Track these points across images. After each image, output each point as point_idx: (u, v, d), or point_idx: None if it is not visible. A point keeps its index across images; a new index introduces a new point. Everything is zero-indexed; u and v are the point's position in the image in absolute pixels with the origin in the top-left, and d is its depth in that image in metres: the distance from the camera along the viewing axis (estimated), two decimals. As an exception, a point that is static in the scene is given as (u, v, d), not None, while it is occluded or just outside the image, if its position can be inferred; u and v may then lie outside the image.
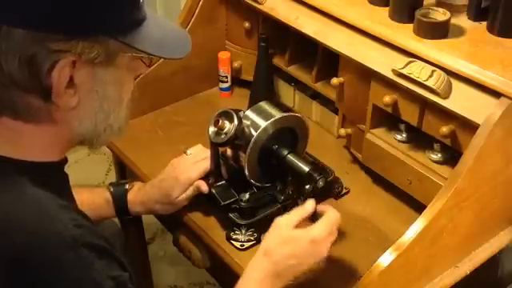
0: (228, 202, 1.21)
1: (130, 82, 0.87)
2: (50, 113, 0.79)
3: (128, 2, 0.79)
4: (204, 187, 1.22)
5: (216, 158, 1.23)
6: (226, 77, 1.65)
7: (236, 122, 1.16)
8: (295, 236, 1.02)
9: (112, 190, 1.25)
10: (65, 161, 0.89)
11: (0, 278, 0.71)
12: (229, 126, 1.17)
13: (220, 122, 1.17)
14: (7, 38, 0.72)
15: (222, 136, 1.17)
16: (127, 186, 1.26)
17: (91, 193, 1.23)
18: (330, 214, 1.05)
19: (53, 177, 0.85)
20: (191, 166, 1.23)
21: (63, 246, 0.74)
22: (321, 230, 1.02)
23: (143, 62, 0.85)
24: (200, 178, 1.22)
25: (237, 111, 1.18)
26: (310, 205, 1.07)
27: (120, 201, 1.24)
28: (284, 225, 1.04)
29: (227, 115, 1.18)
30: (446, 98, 1.08)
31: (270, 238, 1.04)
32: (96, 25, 0.76)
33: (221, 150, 1.24)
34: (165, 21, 0.88)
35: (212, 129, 1.19)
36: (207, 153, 1.26)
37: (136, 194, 1.25)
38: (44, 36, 0.73)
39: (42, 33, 0.72)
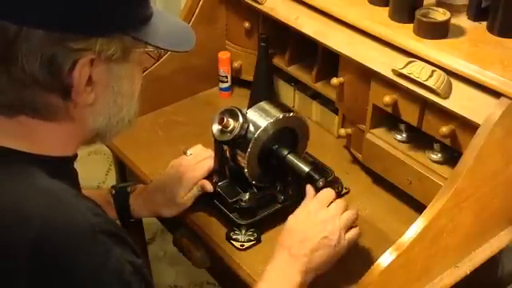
0: (235, 199, 1.21)
1: (140, 75, 0.89)
2: (68, 110, 0.81)
3: None
4: (209, 186, 1.22)
5: (221, 156, 1.23)
6: (226, 77, 1.65)
7: (241, 119, 1.16)
8: (294, 216, 1.10)
9: (114, 192, 1.25)
10: (75, 156, 0.90)
11: (19, 267, 0.72)
12: (234, 124, 1.17)
13: (225, 120, 1.17)
14: (28, 39, 0.72)
15: (228, 134, 1.17)
16: (129, 189, 1.26)
17: (92, 194, 1.22)
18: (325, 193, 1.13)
19: (66, 171, 0.87)
20: (194, 165, 1.23)
21: (82, 234, 0.74)
22: (315, 202, 1.10)
23: (151, 56, 0.86)
24: (203, 178, 1.22)
25: (240, 109, 1.18)
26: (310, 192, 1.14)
27: (122, 204, 1.24)
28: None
29: (231, 113, 1.18)
30: (446, 98, 1.08)
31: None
32: (112, 22, 0.77)
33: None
34: (166, 14, 0.89)
35: (216, 127, 1.18)
36: (208, 152, 1.26)
37: (138, 197, 1.25)
38: (63, 36, 0.74)
39: (61, 33, 0.73)
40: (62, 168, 0.85)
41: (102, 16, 0.76)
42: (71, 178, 0.88)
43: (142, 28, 0.81)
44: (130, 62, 0.82)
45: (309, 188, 1.14)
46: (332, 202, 1.11)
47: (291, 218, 1.10)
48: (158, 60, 0.87)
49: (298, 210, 1.11)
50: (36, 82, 0.75)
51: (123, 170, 1.60)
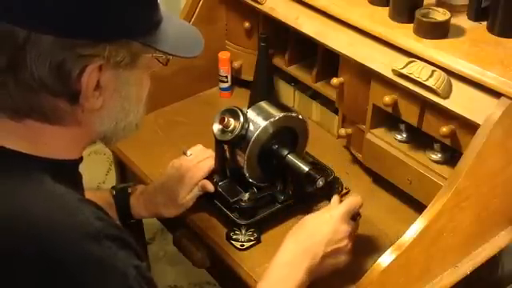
0: (236, 198, 1.21)
1: (148, 80, 0.89)
2: (75, 114, 0.81)
3: (149, 5, 0.81)
4: (210, 186, 1.22)
5: (221, 156, 1.23)
6: (226, 77, 1.65)
7: (242, 119, 1.16)
8: (314, 215, 1.09)
9: (114, 193, 1.25)
10: (81, 160, 0.90)
11: (25, 270, 0.72)
12: (234, 124, 1.17)
13: (226, 119, 1.17)
14: (37, 44, 0.73)
15: (229, 134, 1.17)
16: (129, 190, 1.26)
17: (94, 195, 1.23)
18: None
19: (71, 174, 0.87)
20: (195, 165, 1.23)
21: (87, 239, 0.74)
22: (341, 209, 1.08)
23: (160, 61, 0.86)
24: (204, 178, 1.22)
25: (241, 109, 1.18)
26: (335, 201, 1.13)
27: (122, 205, 1.24)
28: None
29: (232, 113, 1.18)
30: (446, 97, 1.08)
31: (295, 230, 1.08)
32: (122, 28, 0.77)
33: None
34: (175, 18, 0.89)
35: (217, 126, 1.18)
36: (208, 152, 1.26)
37: (139, 198, 1.25)
38: (72, 42, 0.74)
39: (70, 39, 0.74)
40: (67, 171, 0.85)
41: (111, 22, 0.76)
42: (75, 182, 0.88)
43: (152, 34, 0.81)
44: (138, 68, 0.82)
45: (335, 197, 1.14)
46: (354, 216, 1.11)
47: (311, 218, 1.09)
48: (166, 65, 0.87)
49: (320, 211, 1.10)
50: (44, 86, 0.76)
51: (123, 170, 1.60)
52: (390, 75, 1.16)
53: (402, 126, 1.25)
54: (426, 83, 1.09)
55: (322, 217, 1.08)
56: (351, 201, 1.11)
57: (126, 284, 0.76)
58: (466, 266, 1.14)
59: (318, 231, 1.05)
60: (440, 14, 1.17)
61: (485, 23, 1.18)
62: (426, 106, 1.14)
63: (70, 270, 0.73)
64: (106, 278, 0.75)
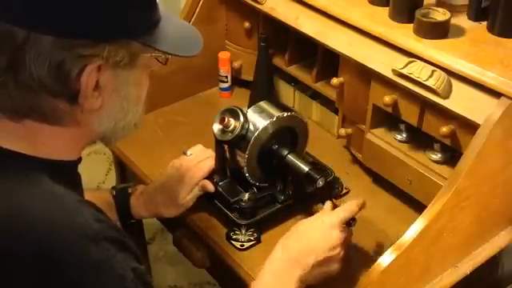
0: (236, 198, 1.21)
1: (147, 80, 0.89)
2: (74, 115, 0.81)
3: (148, 4, 0.82)
4: (210, 186, 1.22)
5: (221, 156, 1.23)
6: (226, 77, 1.65)
7: (242, 119, 1.16)
8: (307, 221, 1.07)
9: (114, 193, 1.25)
10: (79, 160, 0.90)
11: (23, 271, 0.72)
12: (234, 124, 1.17)
13: (226, 119, 1.17)
14: (36, 44, 0.73)
15: (229, 134, 1.17)
16: (129, 190, 1.26)
17: (93, 196, 1.23)
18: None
19: (70, 175, 0.87)
20: (195, 165, 1.23)
21: (86, 240, 0.74)
22: (334, 216, 1.06)
23: (159, 61, 0.86)
24: (204, 178, 1.23)
25: (241, 108, 1.18)
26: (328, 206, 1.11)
27: (122, 205, 1.24)
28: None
29: (232, 113, 1.18)
30: (446, 97, 1.08)
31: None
32: (121, 28, 0.77)
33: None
34: (174, 17, 0.90)
35: (217, 126, 1.19)
36: (208, 152, 1.26)
37: (139, 198, 1.25)
38: (72, 42, 0.74)
39: (69, 39, 0.74)
40: (66, 172, 0.85)
41: (111, 22, 0.76)
42: (74, 182, 0.88)
43: (151, 33, 0.81)
44: (137, 68, 0.82)
45: (328, 203, 1.13)
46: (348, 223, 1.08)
47: (303, 223, 1.07)
48: (165, 64, 0.87)
49: (312, 217, 1.08)
50: (43, 87, 0.76)
51: (123, 170, 1.61)
52: (390, 75, 1.16)
53: (402, 126, 1.25)
54: (426, 83, 1.09)
55: (314, 223, 1.06)
56: (347, 208, 1.08)
57: (124, 286, 0.75)
58: (466, 266, 1.14)
59: (310, 238, 1.04)
60: (440, 14, 1.17)
61: (485, 23, 1.18)
62: (426, 106, 1.14)
63: (68, 272, 0.73)
64: (104, 280, 0.75)
